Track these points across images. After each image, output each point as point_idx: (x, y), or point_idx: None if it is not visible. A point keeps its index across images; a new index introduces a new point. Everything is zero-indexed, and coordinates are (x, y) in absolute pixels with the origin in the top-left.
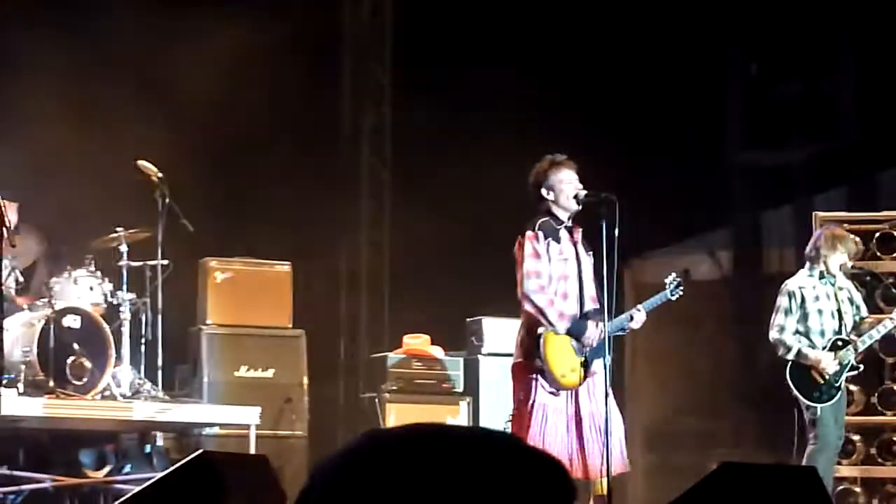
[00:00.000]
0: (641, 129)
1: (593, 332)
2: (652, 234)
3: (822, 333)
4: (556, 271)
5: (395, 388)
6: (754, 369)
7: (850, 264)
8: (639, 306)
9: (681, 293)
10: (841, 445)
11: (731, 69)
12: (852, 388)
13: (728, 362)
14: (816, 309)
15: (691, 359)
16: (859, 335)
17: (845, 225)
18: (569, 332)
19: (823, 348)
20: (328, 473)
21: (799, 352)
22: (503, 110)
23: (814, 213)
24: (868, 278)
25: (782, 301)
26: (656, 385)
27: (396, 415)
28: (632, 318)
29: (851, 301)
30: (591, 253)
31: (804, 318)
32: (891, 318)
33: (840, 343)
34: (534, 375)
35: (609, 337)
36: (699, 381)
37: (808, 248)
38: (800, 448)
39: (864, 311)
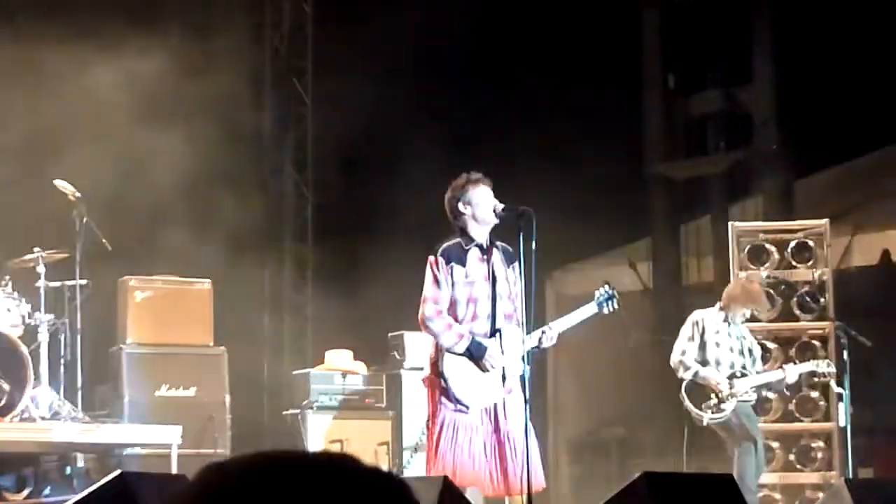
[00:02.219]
0: (559, 141)
1: (494, 354)
2: (572, 246)
3: (718, 363)
4: (461, 295)
5: (318, 403)
6: (677, 378)
7: (764, 273)
8: (550, 324)
9: (615, 307)
10: (764, 452)
11: (648, 81)
12: (770, 396)
13: (651, 372)
14: (715, 341)
15: (615, 369)
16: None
17: (761, 235)
18: (468, 354)
19: (719, 373)
20: None
21: (696, 373)
22: (420, 124)
23: (730, 223)
24: (783, 287)
25: (686, 329)
26: (580, 396)
27: (320, 430)
28: (541, 339)
29: (751, 352)
30: (514, 266)
31: (702, 347)
32: (782, 369)
33: (738, 374)
34: (441, 393)
35: (527, 351)
36: (623, 391)
37: (723, 295)
38: (689, 459)
39: (759, 365)
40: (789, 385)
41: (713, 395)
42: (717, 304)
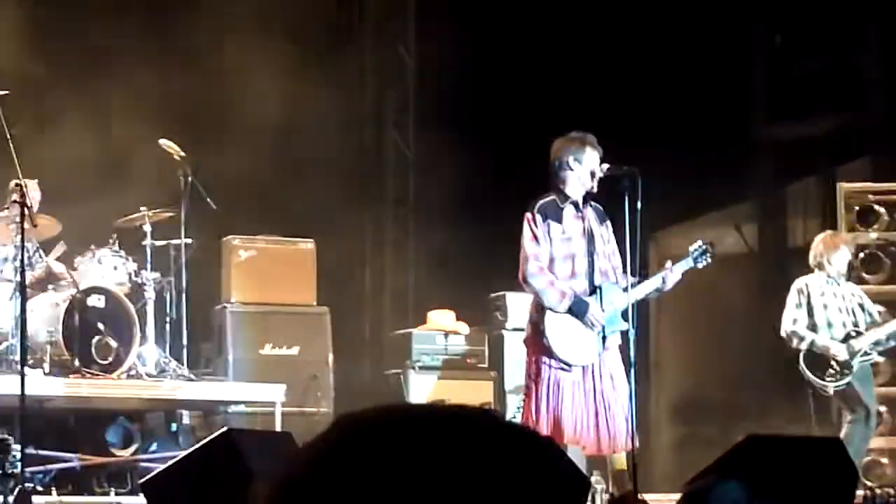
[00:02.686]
0: (665, 101)
1: (596, 312)
2: (676, 207)
3: (830, 325)
4: (559, 252)
5: (420, 364)
6: (781, 341)
7: (874, 235)
8: (670, 266)
9: (708, 261)
10: (876, 419)
11: (755, 42)
12: (878, 359)
13: (754, 335)
14: (822, 304)
15: (717, 332)
16: (870, 328)
17: (870, 196)
18: (570, 312)
19: (833, 338)
20: (305, 466)
21: (812, 342)
22: (524, 86)
23: (838, 185)
24: (893, 249)
25: (792, 297)
26: (682, 358)
27: (422, 391)
28: (664, 280)
29: (862, 307)
30: (607, 225)
31: (810, 312)
32: None
33: (852, 334)
34: (543, 352)
35: (633, 308)
36: (725, 353)
37: (810, 258)
38: (819, 426)
39: (876, 317)
40: None
41: (833, 362)
42: (815, 268)
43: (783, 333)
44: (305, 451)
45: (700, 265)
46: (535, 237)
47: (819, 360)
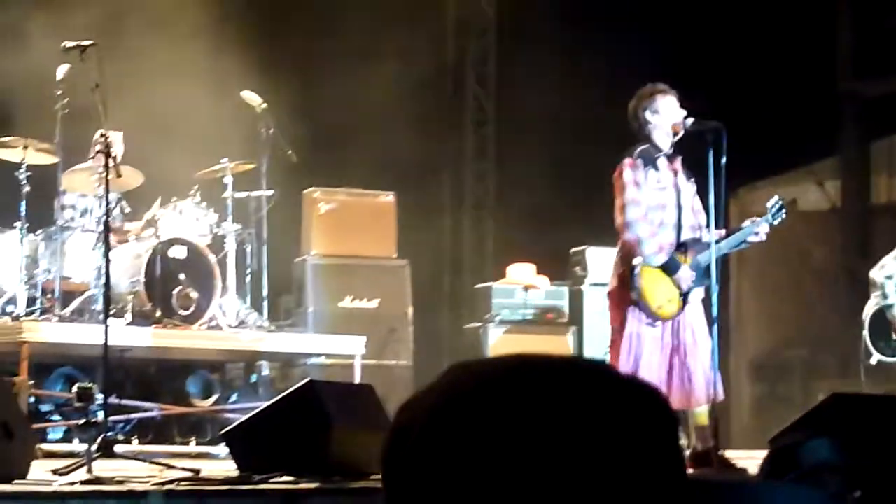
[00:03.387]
0: (750, 57)
1: (686, 274)
2: (759, 163)
3: None
4: (652, 200)
5: (499, 318)
6: (864, 299)
7: None
8: (757, 219)
9: (783, 217)
10: None
11: None
12: None
13: (837, 293)
14: None
15: (799, 290)
16: None
17: None
18: (663, 268)
19: None
20: (419, 413)
21: (891, 306)
22: (606, 39)
23: None
24: None
25: None
26: (764, 316)
27: (501, 345)
28: (756, 232)
29: None
30: (692, 180)
31: None
32: None
33: None
34: (629, 305)
35: (717, 264)
36: (807, 312)
37: None
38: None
39: None
40: None
41: (893, 333)
42: None
43: (870, 275)
44: (420, 398)
45: (776, 222)
46: (637, 182)
47: (882, 323)
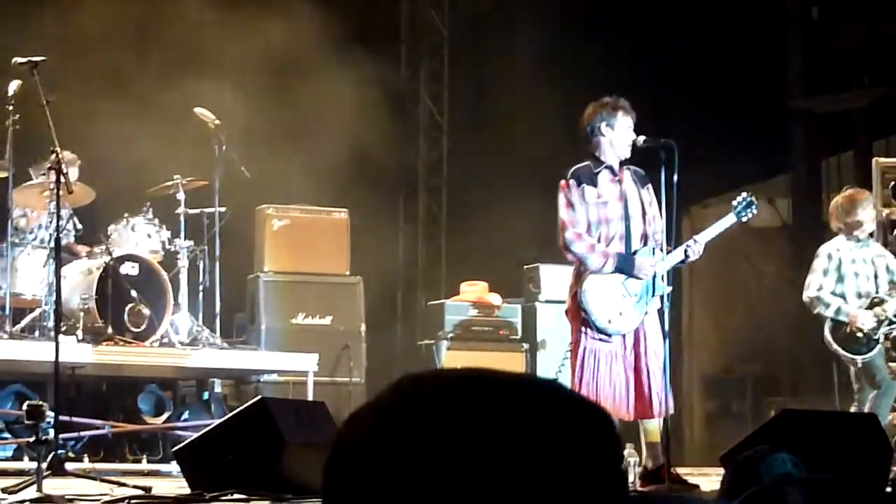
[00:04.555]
0: (702, 74)
1: (644, 263)
2: (711, 181)
3: (859, 295)
4: (593, 216)
5: (452, 335)
6: (815, 317)
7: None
8: (694, 237)
9: (753, 214)
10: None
11: (791, 14)
12: None
13: (788, 310)
14: (853, 272)
15: (751, 306)
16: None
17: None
18: (618, 271)
19: (860, 307)
20: (363, 424)
21: (838, 309)
22: (559, 54)
23: (874, 159)
24: None
25: (818, 263)
26: (715, 332)
27: (453, 362)
28: (687, 252)
29: (888, 268)
30: (648, 188)
31: (840, 280)
32: None
33: (877, 300)
34: (582, 322)
35: (674, 266)
36: (759, 328)
37: (830, 222)
38: (843, 400)
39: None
40: None
41: (859, 333)
42: (839, 233)
43: (805, 299)
44: (365, 410)
45: (744, 219)
46: (570, 203)
47: (846, 330)
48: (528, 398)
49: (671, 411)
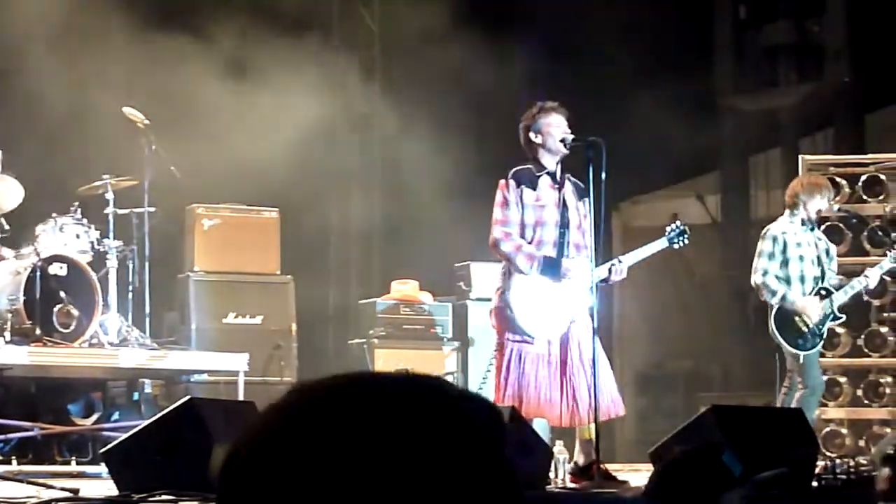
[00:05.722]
0: (629, 71)
1: (569, 264)
2: (640, 178)
3: (802, 279)
4: (529, 218)
5: (383, 333)
6: (745, 313)
7: (835, 207)
8: (620, 257)
9: (685, 242)
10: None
11: (719, 12)
12: (839, 330)
13: (718, 305)
14: (798, 255)
15: (683, 303)
16: (837, 288)
17: (832, 169)
18: (544, 275)
19: (805, 294)
20: (253, 437)
21: (784, 296)
22: (491, 52)
23: (800, 157)
24: (854, 221)
25: (765, 245)
26: (646, 328)
27: (385, 360)
28: (611, 270)
29: (828, 252)
30: (584, 201)
31: (785, 263)
32: (865, 276)
33: (824, 292)
34: (506, 324)
35: (595, 283)
36: (691, 324)
37: (787, 196)
38: (781, 391)
39: (834, 266)
40: (871, 290)
41: (805, 327)
42: (787, 213)
43: (753, 283)
44: (259, 419)
45: (676, 246)
46: (506, 202)
47: (789, 321)
48: (409, 399)
49: (621, 413)
